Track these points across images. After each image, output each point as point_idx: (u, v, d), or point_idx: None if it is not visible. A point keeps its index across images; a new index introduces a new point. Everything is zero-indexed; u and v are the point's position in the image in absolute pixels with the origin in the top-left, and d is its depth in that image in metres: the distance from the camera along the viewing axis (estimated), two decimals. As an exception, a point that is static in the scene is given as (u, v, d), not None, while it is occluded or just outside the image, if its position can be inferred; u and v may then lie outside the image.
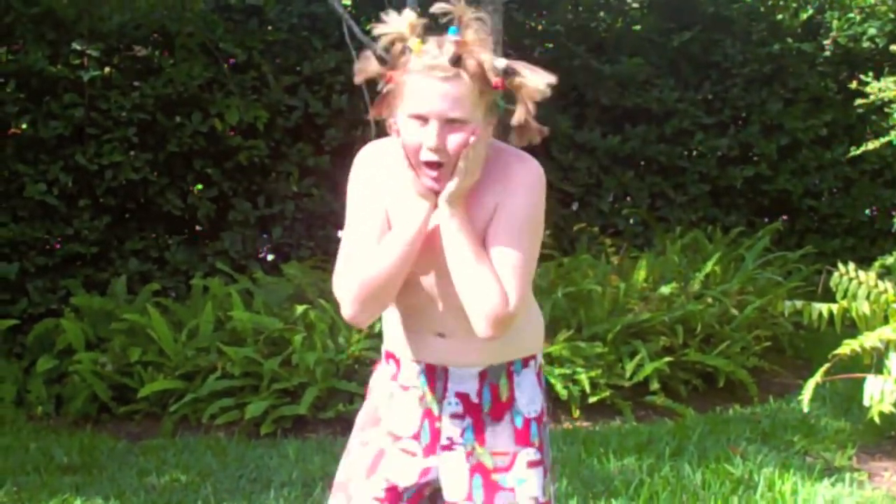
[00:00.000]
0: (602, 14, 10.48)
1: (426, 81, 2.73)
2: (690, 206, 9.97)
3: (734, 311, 7.97)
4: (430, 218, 2.82)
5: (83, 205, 8.57)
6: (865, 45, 10.24)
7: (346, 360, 7.14)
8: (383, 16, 2.80)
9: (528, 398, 3.03)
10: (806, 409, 5.75)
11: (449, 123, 2.74)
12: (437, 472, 3.01)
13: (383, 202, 2.90)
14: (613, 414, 7.26)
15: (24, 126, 8.59)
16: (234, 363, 7.11)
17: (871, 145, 7.61)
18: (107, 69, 8.86)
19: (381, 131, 9.07)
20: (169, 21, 8.84)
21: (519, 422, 3.00)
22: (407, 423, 3.03)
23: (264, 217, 9.22)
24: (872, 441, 6.41)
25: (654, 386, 7.30)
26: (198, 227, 9.30)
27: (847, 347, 5.49)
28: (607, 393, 7.21)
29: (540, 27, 10.27)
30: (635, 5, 10.67)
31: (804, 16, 10.45)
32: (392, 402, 3.06)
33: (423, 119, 2.74)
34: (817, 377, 5.61)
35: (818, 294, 6.72)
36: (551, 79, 2.76)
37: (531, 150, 2.91)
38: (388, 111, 2.87)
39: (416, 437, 3.02)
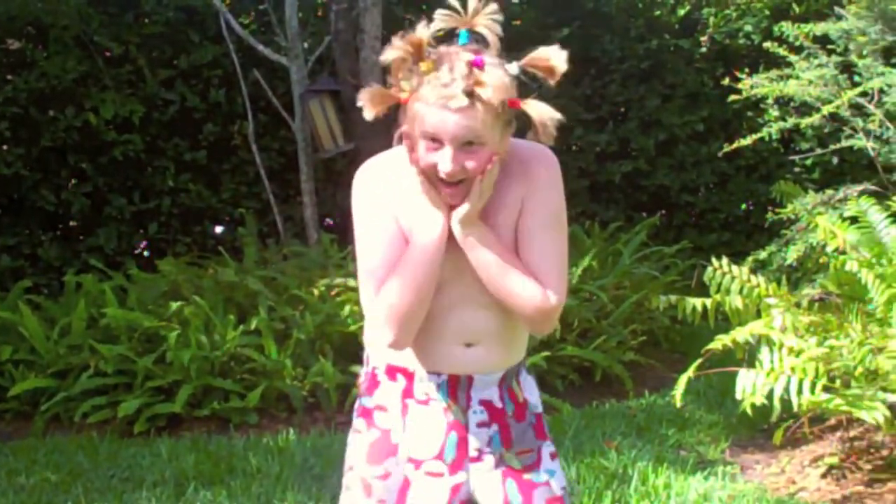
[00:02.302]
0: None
1: (441, 108, 2.64)
2: (569, 201, 9.89)
3: (611, 306, 8.05)
4: (447, 227, 2.77)
5: (-47, 200, 8.43)
6: (741, 41, 10.38)
7: (222, 357, 7.08)
8: (394, 39, 2.71)
9: (535, 396, 3.05)
10: (679, 404, 5.79)
11: (465, 146, 2.67)
12: (468, 487, 2.95)
13: (394, 217, 2.82)
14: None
15: None
16: (107, 361, 7.02)
17: (745, 141, 7.71)
18: (-22, 62, 8.74)
19: (259, 126, 8.96)
20: (43, 14, 8.73)
21: (534, 419, 3.01)
22: (429, 441, 2.93)
23: (140, 212, 9.15)
24: (745, 434, 6.50)
25: (531, 380, 7.32)
26: (72, 223, 9.20)
27: (719, 342, 5.54)
28: (484, 388, 7.23)
29: (419, 21, 10.25)
30: (515, 0, 10.71)
31: (681, 12, 10.56)
32: (409, 421, 2.95)
33: (438, 141, 2.67)
34: (689, 372, 5.65)
35: (693, 288, 6.79)
36: (556, 115, 2.72)
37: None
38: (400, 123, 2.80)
39: (440, 455, 2.92)
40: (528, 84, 2.76)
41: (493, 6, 2.73)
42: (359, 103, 2.77)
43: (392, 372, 2.97)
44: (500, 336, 2.89)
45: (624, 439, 6.42)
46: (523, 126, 2.78)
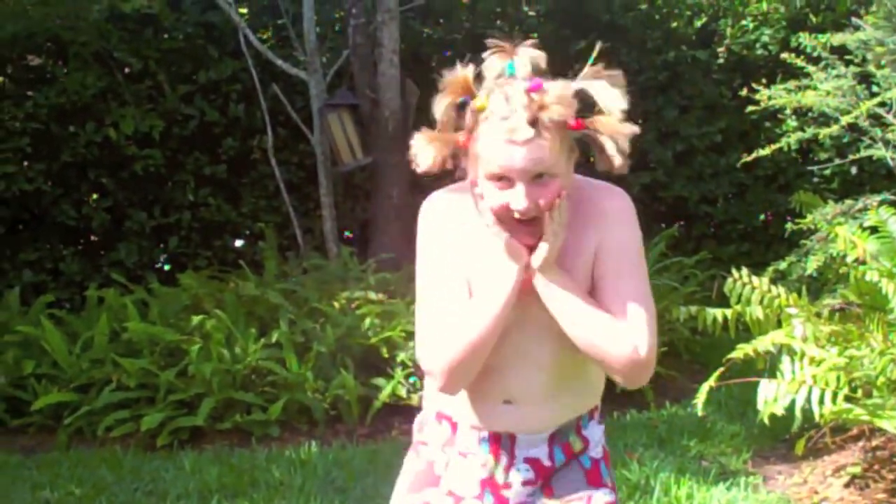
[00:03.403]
0: (499, 22, 10.52)
1: (505, 145, 2.47)
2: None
3: (630, 317, 8.02)
4: (520, 278, 2.58)
5: (-25, 216, 8.48)
6: (759, 52, 10.37)
7: (243, 370, 7.11)
8: (440, 83, 2.56)
9: (594, 443, 2.86)
10: (700, 414, 5.79)
11: (536, 179, 2.49)
12: None
13: (462, 260, 2.66)
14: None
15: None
16: (129, 375, 7.05)
17: (764, 151, 7.70)
18: (-1, 78, 8.79)
19: (279, 140, 8.96)
20: (63, 30, 8.76)
21: (587, 463, 2.83)
22: (469, 485, 2.81)
23: (160, 227, 9.19)
24: (767, 445, 6.50)
25: (553, 392, 7.32)
26: (93, 238, 9.24)
27: (741, 352, 5.53)
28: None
29: (437, 35, 10.29)
30: (532, 13, 10.73)
31: (698, 24, 10.56)
32: (450, 463, 2.83)
33: (508, 180, 2.50)
34: (711, 381, 5.65)
35: (713, 299, 6.78)
36: (629, 127, 2.56)
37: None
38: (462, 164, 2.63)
39: (480, 497, 2.80)
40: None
41: (533, 41, 2.58)
42: (412, 152, 2.60)
43: (440, 418, 2.85)
44: (546, 395, 2.72)
45: (646, 450, 6.42)
46: (584, 162, 2.66)
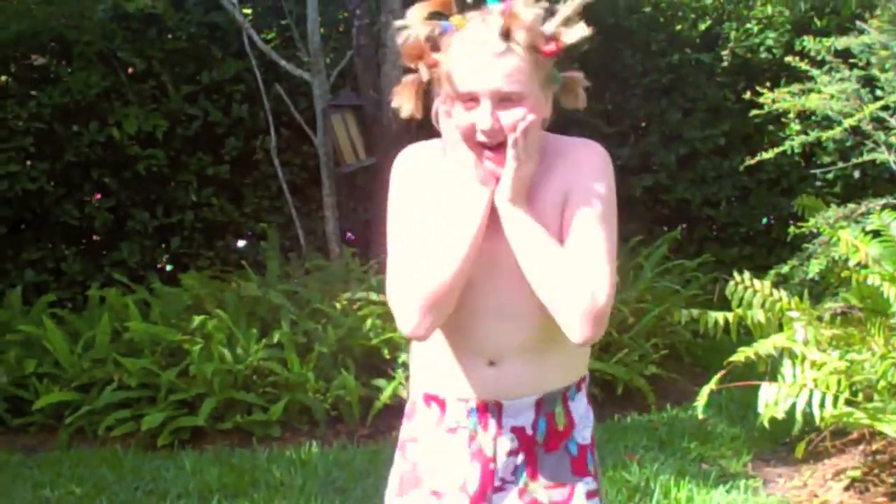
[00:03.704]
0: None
1: (475, 58, 2.44)
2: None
3: (632, 320, 8.05)
4: (490, 202, 2.53)
5: (-23, 215, 8.48)
6: (763, 55, 10.38)
7: (245, 370, 7.11)
8: (409, 12, 2.54)
9: (583, 424, 2.76)
10: (701, 416, 5.80)
11: (503, 101, 2.45)
12: None
13: (432, 203, 2.61)
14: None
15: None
16: (130, 374, 7.06)
17: (767, 155, 7.70)
18: (3, 78, 8.78)
19: (282, 141, 9.00)
20: (67, 29, 8.77)
21: (574, 450, 2.74)
22: (451, 473, 2.72)
23: (163, 226, 9.20)
24: (767, 448, 6.49)
25: (553, 395, 7.32)
26: (95, 237, 9.24)
27: (742, 355, 5.54)
28: (506, 401, 7.24)
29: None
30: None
31: (703, 27, 10.58)
32: (435, 452, 2.75)
33: (475, 98, 2.46)
34: (712, 384, 5.66)
35: (715, 302, 6.78)
36: (585, 31, 2.52)
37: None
38: (436, 97, 2.58)
39: (463, 487, 2.70)
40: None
41: None
42: (394, 104, 2.61)
43: (428, 400, 2.77)
44: (530, 353, 2.63)
45: (646, 453, 6.42)
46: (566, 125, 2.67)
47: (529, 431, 2.69)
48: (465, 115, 2.48)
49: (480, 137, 2.48)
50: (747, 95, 8.10)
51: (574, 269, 2.48)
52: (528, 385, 2.66)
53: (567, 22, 2.52)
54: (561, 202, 2.56)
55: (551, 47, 2.48)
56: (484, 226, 2.52)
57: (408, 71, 2.59)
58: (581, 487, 2.72)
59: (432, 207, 2.60)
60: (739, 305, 5.90)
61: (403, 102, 2.59)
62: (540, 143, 2.57)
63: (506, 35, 2.43)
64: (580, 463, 2.74)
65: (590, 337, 2.49)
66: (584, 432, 2.76)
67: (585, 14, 2.56)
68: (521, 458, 2.71)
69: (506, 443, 2.69)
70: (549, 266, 2.49)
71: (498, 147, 2.49)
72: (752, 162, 7.95)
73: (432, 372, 2.74)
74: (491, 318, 2.62)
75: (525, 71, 2.45)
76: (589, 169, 2.59)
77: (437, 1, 2.52)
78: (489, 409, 2.68)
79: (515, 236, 2.52)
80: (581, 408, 2.76)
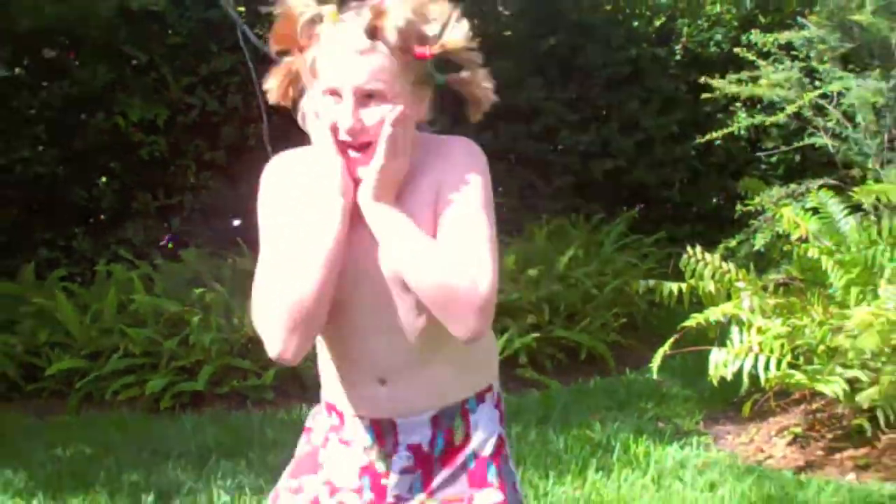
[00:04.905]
0: (476, 21, 10.45)
1: (339, 54, 2.19)
2: (556, 197, 9.97)
3: (595, 291, 8.06)
4: (349, 211, 2.25)
5: (-6, 197, 8.43)
6: (713, 49, 10.36)
7: (240, 338, 7.09)
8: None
9: (484, 437, 2.44)
10: (656, 377, 5.84)
11: (367, 98, 2.20)
12: None
13: (298, 212, 2.30)
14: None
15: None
16: (135, 343, 7.05)
17: (717, 134, 7.75)
18: (17, 70, 8.72)
19: (274, 127, 8.85)
20: (76, 26, 8.70)
21: (472, 464, 2.42)
22: (348, 475, 2.45)
23: (164, 207, 9.15)
24: (717, 407, 6.51)
25: (523, 360, 7.35)
26: (102, 217, 9.20)
27: (694, 321, 5.58)
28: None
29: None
30: (507, 13, 10.70)
31: (657, 23, 10.57)
32: (335, 451, 2.48)
33: (338, 94, 2.20)
34: (665, 347, 5.70)
35: (670, 275, 6.80)
36: (467, 34, 2.27)
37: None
38: (298, 92, 2.34)
39: (359, 491, 2.43)
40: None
41: None
42: (265, 86, 2.35)
43: (329, 409, 2.49)
44: (420, 368, 2.35)
45: (607, 412, 6.47)
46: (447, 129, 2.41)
47: (426, 448, 2.41)
48: (330, 110, 2.22)
49: (343, 136, 2.22)
50: (702, 80, 8.06)
51: (451, 260, 2.20)
52: (422, 402, 2.38)
53: (449, 25, 2.26)
54: (433, 199, 2.27)
55: (423, 50, 2.23)
56: (343, 236, 2.23)
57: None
58: (480, 498, 2.40)
59: (297, 218, 2.30)
60: (692, 277, 5.93)
61: (273, 87, 2.35)
62: (412, 142, 2.30)
63: (372, 33, 2.19)
64: (478, 475, 2.41)
65: (477, 330, 2.21)
66: (486, 446, 2.44)
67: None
68: (416, 475, 2.42)
69: (401, 460, 2.41)
70: (423, 260, 2.20)
71: (363, 147, 2.24)
72: (702, 141, 8.00)
73: (329, 386, 2.48)
74: (376, 335, 2.33)
75: (390, 70, 2.20)
76: (459, 161, 2.31)
77: None
78: (384, 426, 2.40)
79: (383, 234, 2.24)
80: (483, 420, 2.44)
